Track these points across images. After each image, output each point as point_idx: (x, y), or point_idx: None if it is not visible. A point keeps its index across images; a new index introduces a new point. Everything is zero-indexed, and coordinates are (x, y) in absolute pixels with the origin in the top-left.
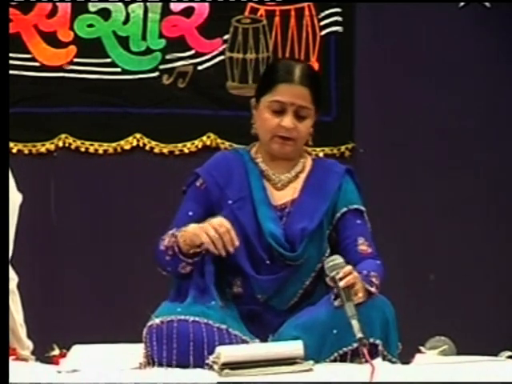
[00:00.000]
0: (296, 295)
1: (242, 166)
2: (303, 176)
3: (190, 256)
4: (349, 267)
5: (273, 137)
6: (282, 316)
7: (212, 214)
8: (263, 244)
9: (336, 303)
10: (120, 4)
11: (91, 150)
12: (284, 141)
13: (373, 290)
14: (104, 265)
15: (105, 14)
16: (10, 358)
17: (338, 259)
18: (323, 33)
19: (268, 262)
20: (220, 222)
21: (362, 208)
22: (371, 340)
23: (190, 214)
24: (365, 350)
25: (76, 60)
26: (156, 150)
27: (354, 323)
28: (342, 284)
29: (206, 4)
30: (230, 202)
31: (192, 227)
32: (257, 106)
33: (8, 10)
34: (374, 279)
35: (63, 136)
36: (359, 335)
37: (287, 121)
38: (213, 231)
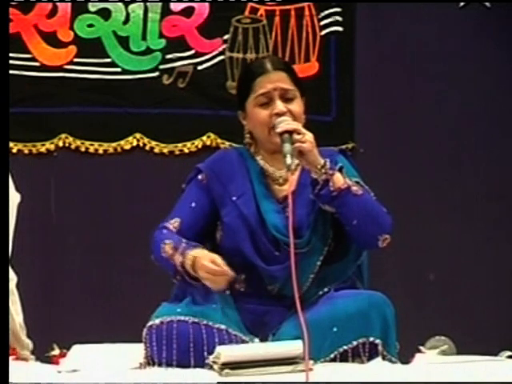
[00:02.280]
0: (308, 280)
1: (242, 163)
2: (300, 166)
3: (194, 278)
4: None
5: (270, 130)
6: (288, 309)
7: (214, 208)
8: (269, 236)
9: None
10: (120, 4)
11: (91, 149)
12: None
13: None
14: (104, 265)
15: (105, 13)
16: (10, 357)
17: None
18: (323, 33)
19: (276, 253)
20: (211, 260)
21: (361, 182)
22: (371, 339)
23: (193, 205)
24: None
25: (76, 60)
26: (156, 150)
27: (288, 156)
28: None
29: (206, 4)
30: (234, 198)
31: (195, 260)
32: (244, 115)
33: (8, 10)
34: (355, 187)
35: (63, 136)
36: (288, 162)
37: (278, 106)
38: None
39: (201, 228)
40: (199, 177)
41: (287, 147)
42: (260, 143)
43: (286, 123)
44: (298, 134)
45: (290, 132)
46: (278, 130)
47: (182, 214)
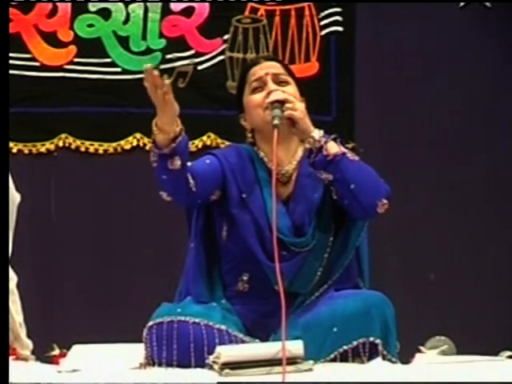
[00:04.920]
0: (316, 274)
1: (250, 161)
2: (299, 165)
3: (167, 145)
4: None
5: (265, 109)
6: (289, 309)
7: (223, 180)
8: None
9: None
10: (120, 4)
11: (91, 149)
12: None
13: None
14: (104, 264)
15: (105, 13)
16: (10, 357)
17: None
18: (323, 33)
19: (283, 252)
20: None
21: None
22: (371, 339)
23: (208, 161)
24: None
25: (76, 60)
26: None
27: (276, 118)
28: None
29: (206, 4)
30: (243, 195)
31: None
32: (244, 115)
33: (8, 10)
34: (349, 154)
35: (63, 136)
36: (275, 122)
37: (270, 86)
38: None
39: (209, 178)
40: (215, 158)
41: (276, 112)
42: (260, 135)
43: (276, 93)
44: (289, 103)
45: (282, 102)
46: (269, 99)
47: (196, 167)
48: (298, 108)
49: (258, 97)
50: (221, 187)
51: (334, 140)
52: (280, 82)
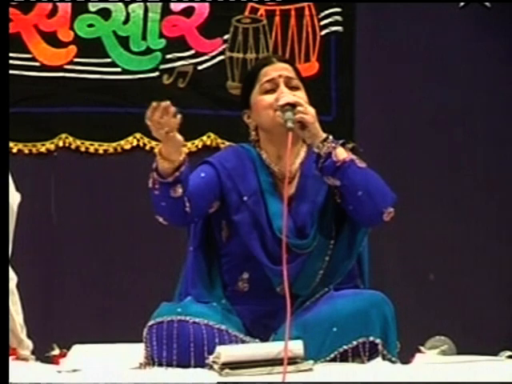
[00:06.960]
0: (317, 276)
1: (251, 161)
2: (301, 166)
3: (171, 174)
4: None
5: (275, 111)
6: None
7: (220, 191)
8: (276, 238)
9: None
10: (120, 4)
11: (91, 149)
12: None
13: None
14: (104, 264)
15: (105, 13)
16: (10, 357)
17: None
18: (323, 33)
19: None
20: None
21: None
22: (371, 339)
23: (203, 175)
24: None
25: (76, 60)
26: (156, 150)
27: (289, 121)
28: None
29: (206, 4)
30: (245, 198)
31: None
32: (249, 112)
33: (8, 10)
34: (358, 161)
35: (63, 136)
36: (289, 125)
37: (282, 89)
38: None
39: (205, 195)
40: (210, 167)
41: (288, 115)
42: (266, 135)
43: (287, 97)
44: (300, 106)
45: (293, 105)
46: (280, 102)
47: (191, 183)
48: (309, 112)
49: (269, 98)
50: (219, 198)
51: (343, 145)
52: (292, 87)
